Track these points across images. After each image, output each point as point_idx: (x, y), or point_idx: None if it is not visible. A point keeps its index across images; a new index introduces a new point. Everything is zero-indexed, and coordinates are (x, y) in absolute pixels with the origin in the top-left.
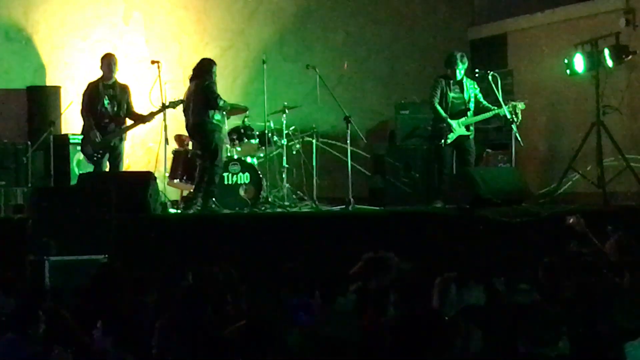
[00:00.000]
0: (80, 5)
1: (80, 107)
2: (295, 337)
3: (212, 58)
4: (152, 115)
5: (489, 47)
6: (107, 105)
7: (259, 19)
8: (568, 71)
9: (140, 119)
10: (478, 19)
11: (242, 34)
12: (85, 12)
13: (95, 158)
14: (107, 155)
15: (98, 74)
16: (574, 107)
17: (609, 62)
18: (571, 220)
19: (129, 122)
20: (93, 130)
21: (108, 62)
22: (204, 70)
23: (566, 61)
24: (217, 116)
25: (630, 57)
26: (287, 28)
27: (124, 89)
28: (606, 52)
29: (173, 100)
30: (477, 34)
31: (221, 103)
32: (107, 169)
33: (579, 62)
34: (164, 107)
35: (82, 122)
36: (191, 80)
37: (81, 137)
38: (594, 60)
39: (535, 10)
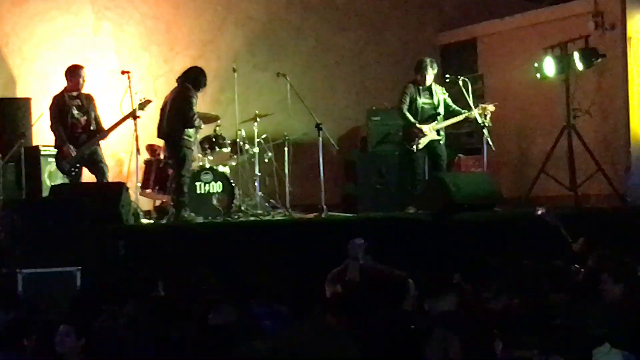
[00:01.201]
0: (49, 16)
1: (49, 122)
2: (260, 345)
3: (182, 69)
4: (121, 121)
5: (459, 52)
6: (77, 116)
7: (229, 28)
8: (538, 75)
9: (110, 128)
10: (448, 24)
11: (212, 43)
12: (55, 24)
13: (73, 173)
14: (84, 168)
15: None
16: (545, 111)
17: (579, 66)
18: (540, 212)
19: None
20: (66, 144)
21: (79, 73)
22: (190, 78)
23: (536, 65)
24: (190, 132)
25: (599, 59)
26: (257, 36)
27: (89, 98)
28: (576, 55)
29: (140, 102)
30: (447, 39)
31: (196, 123)
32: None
33: (549, 66)
34: (132, 113)
35: (53, 136)
36: (177, 81)
37: (54, 151)
38: (564, 64)
39: (505, 15)
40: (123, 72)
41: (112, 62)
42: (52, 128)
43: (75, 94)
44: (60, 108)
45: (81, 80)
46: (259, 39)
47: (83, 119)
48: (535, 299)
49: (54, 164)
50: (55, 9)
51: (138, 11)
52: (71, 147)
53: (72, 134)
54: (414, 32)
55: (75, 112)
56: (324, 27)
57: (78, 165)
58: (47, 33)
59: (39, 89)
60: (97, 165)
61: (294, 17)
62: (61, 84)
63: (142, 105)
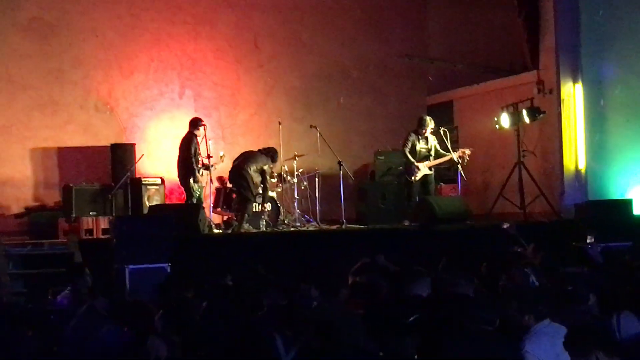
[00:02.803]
0: (148, 85)
1: (185, 153)
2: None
3: (242, 122)
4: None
5: (440, 110)
6: (199, 150)
7: (276, 92)
8: (497, 126)
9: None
10: (432, 90)
11: (264, 104)
12: (152, 91)
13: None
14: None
15: (162, 134)
16: (502, 152)
17: (526, 119)
18: (505, 226)
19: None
20: (197, 171)
21: (198, 124)
22: (270, 153)
23: (496, 119)
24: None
25: (541, 115)
26: (296, 98)
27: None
28: (524, 112)
29: (221, 156)
30: (432, 101)
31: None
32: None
33: (505, 120)
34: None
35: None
36: (259, 150)
37: (152, 181)
38: (516, 118)
39: (473, 83)
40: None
41: (192, 117)
42: (186, 156)
43: (195, 136)
44: (192, 143)
45: (201, 127)
46: (297, 101)
47: (202, 155)
48: (492, 286)
49: (152, 189)
50: (152, 79)
51: (211, 81)
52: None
53: (197, 164)
54: (408, 96)
55: (199, 148)
56: (343, 92)
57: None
58: (147, 97)
59: (141, 138)
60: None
61: (322, 85)
62: (156, 133)
63: (222, 158)
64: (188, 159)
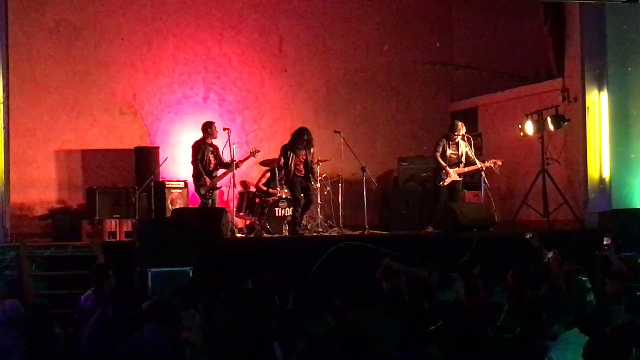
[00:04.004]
0: (172, 89)
1: (191, 158)
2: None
3: (266, 126)
4: (241, 162)
5: (464, 117)
6: (211, 157)
7: (300, 97)
8: (521, 133)
9: (229, 167)
10: (456, 96)
11: (288, 108)
12: (176, 94)
13: (207, 196)
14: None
15: (186, 137)
16: (526, 159)
17: (551, 127)
18: (528, 236)
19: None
20: (204, 176)
21: (213, 128)
22: (291, 139)
23: (520, 126)
24: None
25: (566, 123)
26: (319, 103)
27: (217, 148)
28: (549, 119)
29: (252, 151)
30: (456, 107)
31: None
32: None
33: (529, 127)
34: (251, 154)
35: (192, 169)
36: None
37: (176, 184)
38: (540, 126)
39: (497, 90)
40: (224, 129)
41: (216, 121)
42: (193, 163)
43: (209, 142)
44: (200, 149)
45: (213, 132)
46: (320, 106)
47: (214, 160)
48: (518, 295)
49: (175, 193)
50: (176, 83)
51: (235, 85)
52: (207, 178)
53: (207, 169)
54: (432, 102)
55: (209, 154)
56: (367, 97)
57: (210, 191)
58: (171, 101)
59: (164, 141)
60: (215, 197)
61: (346, 91)
62: (179, 137)
63: (254, 153)
64: (193, 163)
